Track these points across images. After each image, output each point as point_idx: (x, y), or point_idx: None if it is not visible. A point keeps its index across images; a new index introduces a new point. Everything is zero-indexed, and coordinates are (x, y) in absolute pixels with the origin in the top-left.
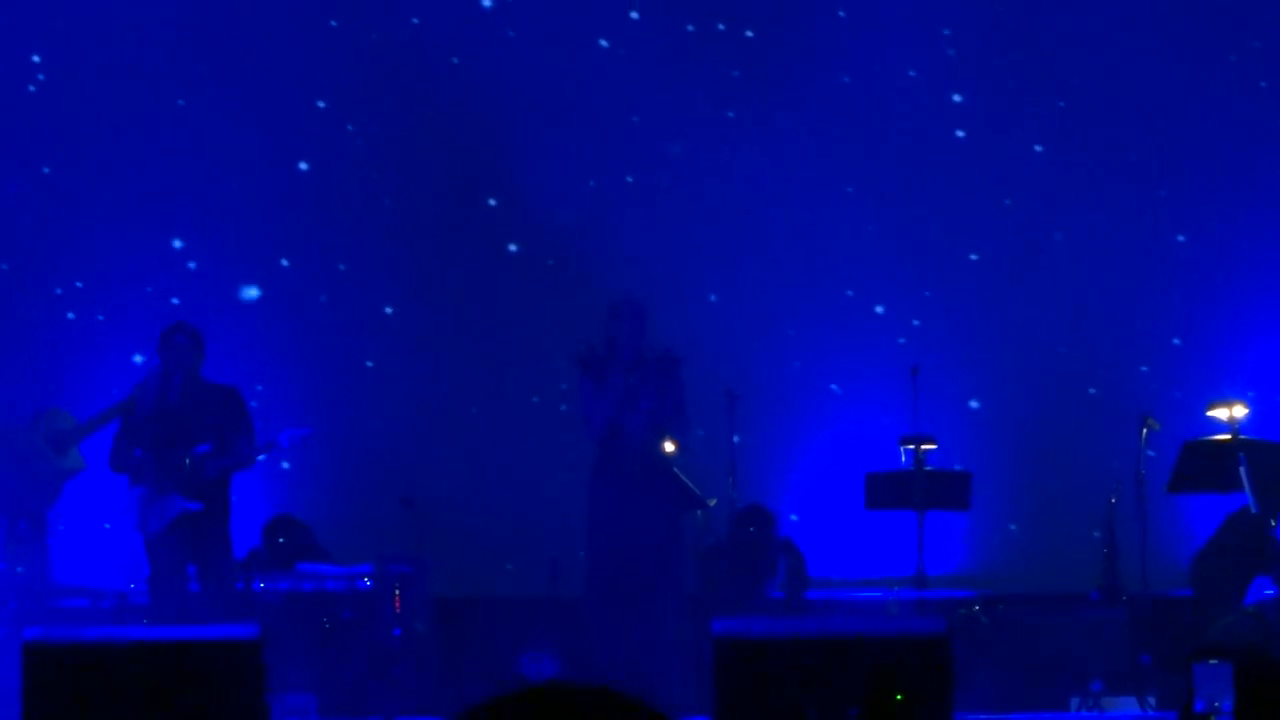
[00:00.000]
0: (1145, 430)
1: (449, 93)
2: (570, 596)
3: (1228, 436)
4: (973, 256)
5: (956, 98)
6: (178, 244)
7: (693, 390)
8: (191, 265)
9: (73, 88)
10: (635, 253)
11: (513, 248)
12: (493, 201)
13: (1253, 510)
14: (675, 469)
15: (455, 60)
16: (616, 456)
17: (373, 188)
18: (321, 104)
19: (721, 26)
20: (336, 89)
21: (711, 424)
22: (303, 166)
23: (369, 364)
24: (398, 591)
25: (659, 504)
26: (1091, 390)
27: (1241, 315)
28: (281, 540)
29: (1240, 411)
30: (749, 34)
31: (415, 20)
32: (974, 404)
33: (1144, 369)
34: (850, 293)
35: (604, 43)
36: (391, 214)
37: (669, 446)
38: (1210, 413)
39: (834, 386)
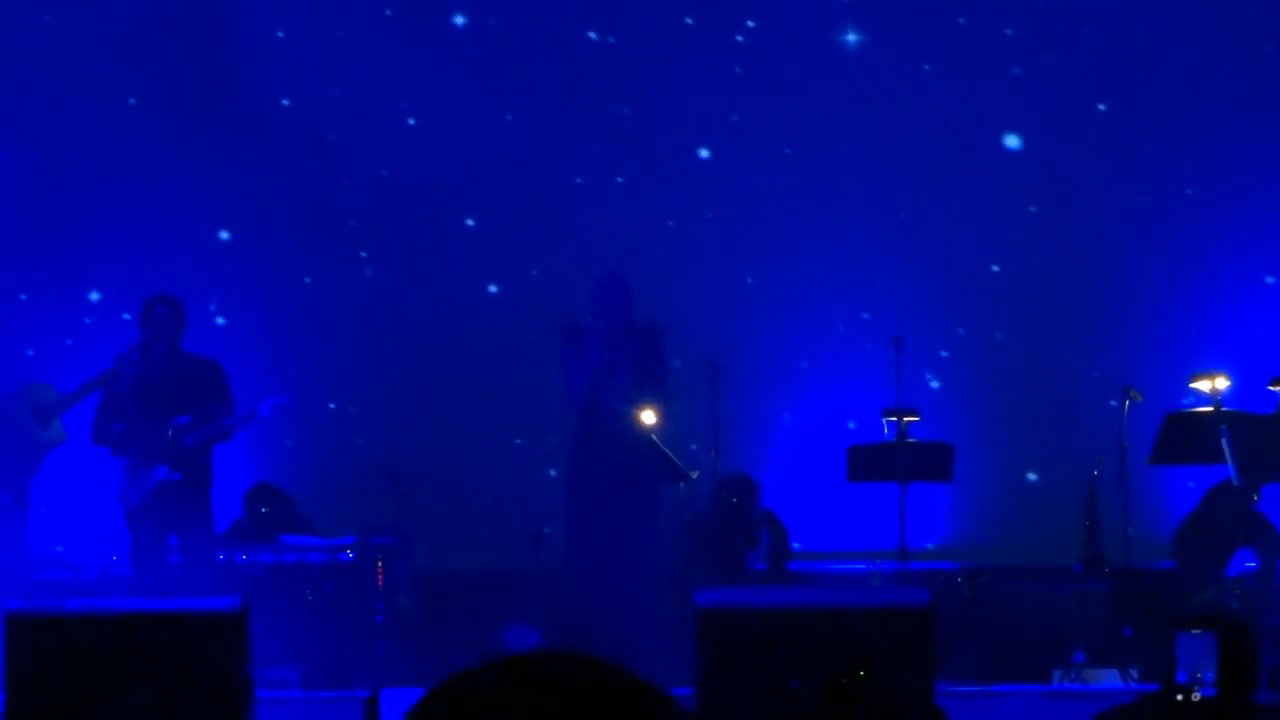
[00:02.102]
0: (1127, 402)
1: (436, 77)
2: (553, 568)
3: (1210, 409)
4: (954, 230)
5: (926, 66)
6: (94, 295)
7: (675, 361)
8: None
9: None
10: (619, 224)
11: (495, 234)
12: (471, 222)
13: (1235, 483)
14: (657, 440)
15: (438, 52)
16: (597, 428)
17: (354, 181)
18: (286, 101)
19: (739, 35)
20: (301, 92)
21: (694, 395)
22: (236, 219)
23: (350, 338)
24: (380, 564)
25: (640, 475)
26: (1074, 362)
27: (1225, 287)
28: (264, 510)
29: (1222, 384)
30: (750, 24)
31: (388, 12)
32: (961, 380)
33: (1127, 340)
34: (834, 269)
35: (592, 35)
36: (375, 198)
37: (649, 417)
38: (1193, 385)
39: (804, 363)
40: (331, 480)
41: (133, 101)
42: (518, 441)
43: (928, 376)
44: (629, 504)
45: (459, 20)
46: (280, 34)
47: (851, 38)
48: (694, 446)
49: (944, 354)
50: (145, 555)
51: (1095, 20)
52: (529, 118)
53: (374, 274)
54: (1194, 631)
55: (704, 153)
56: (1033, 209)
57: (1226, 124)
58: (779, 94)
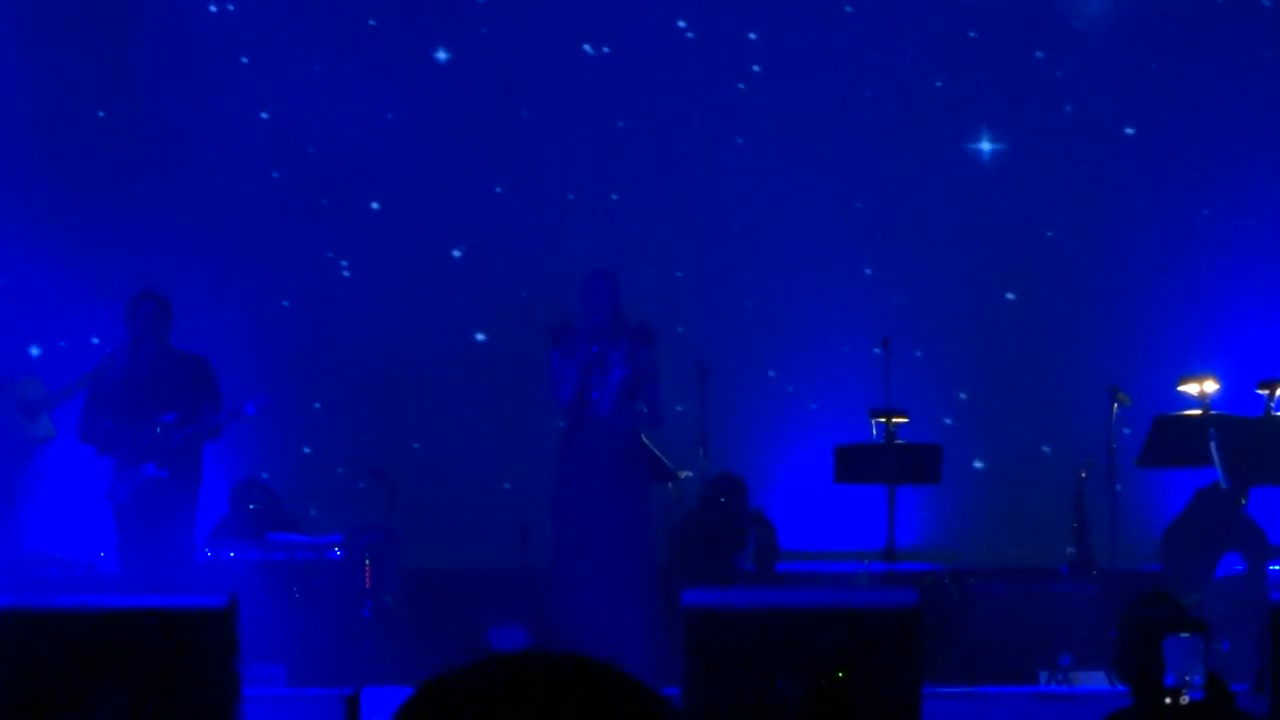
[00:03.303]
0: (1116, 404)
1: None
2: (540, 567)
3: (1198, 411)
4: (948, 236)
5: (938, 83)
6: (34, 350)
7: (664, 362)
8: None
9: None
10: (609, 220)
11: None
12: (458, 250)
13: (1223, 485)
14: (645, 440)
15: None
16: (586, 427)
17: (343, 188)
18: (264, 115)
19: (742, 47)
20: (280, 105)
21: (683, 396)
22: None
23: (336, 336)
24: (367, 562)
25: (628, 475)
26: (1063, 364)
27: (1214, 289)
28: (252, 507)
29: (1211, 386)
30: (752, 36)
31: (372, 21)
32: (949, 381)
33: (1115, 343)
34: (825, 270)
35: (588, 48)
36: (364, 207)
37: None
38: (1181, 387)
39: (771, 372)
40: (319, 478)
41: (101, 114)
42: (505, 440)
43: (961, 394)
44: (617, 503)
45: (441, 56)
46: (244, 60)
47: (856, 50)
48: (688, 472)
49: (935, 355)
50: (132, 552)
51: (1125, 47)
52: (524, 126)
53: (362, 274)
54: (1183, 635)
55: (697, 157)
56: (1050, 234)
57: (1245, 142)
58: (778, 100)
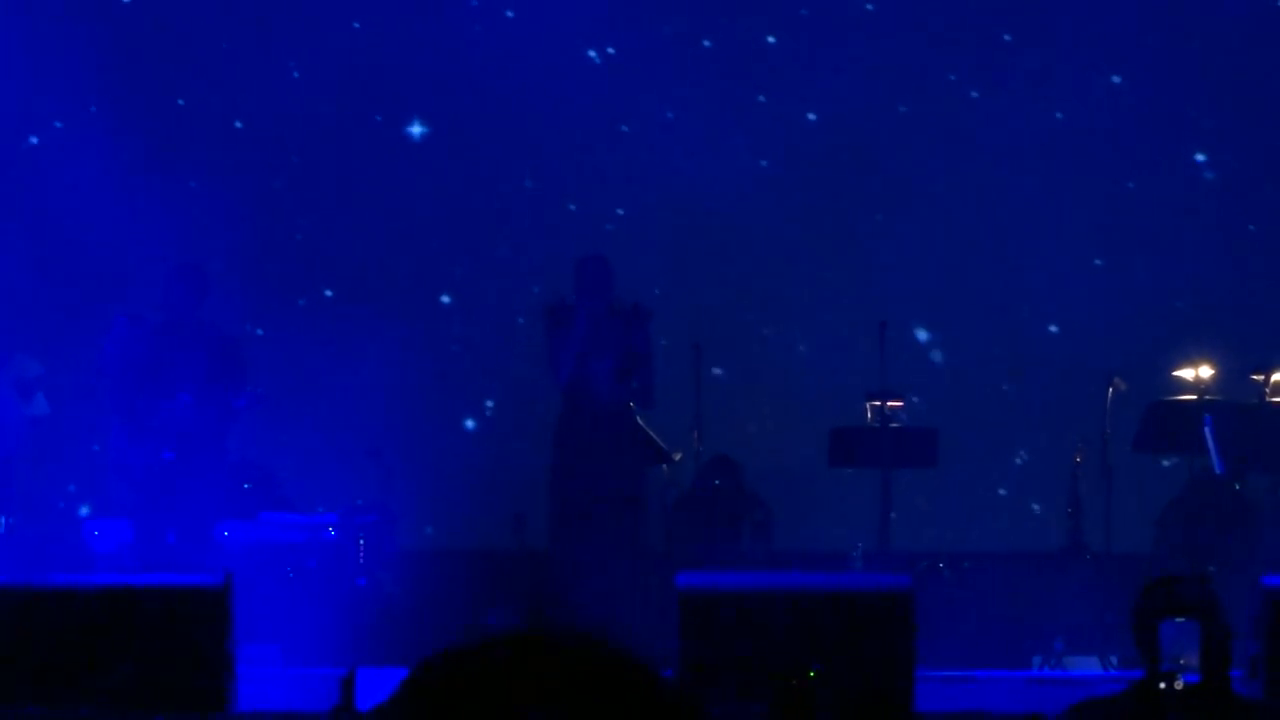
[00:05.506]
0: (1112, 389)
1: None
2: (535, 549)
3: (1194, 397)
4: (946, 219)
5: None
6: None
7: (659, 345)
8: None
9: None
10: (607, 204)
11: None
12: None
13: (1217, 471)
14: (640, 421)
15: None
16: (582, 408)
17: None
18: (239, 124)
19: (770, 46)
20: (266, 112)
21: (678, 379)
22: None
23: (336, 318)
24: (363, 542)
25: (623, 457)
26: (1059, 348)
27: (1211, 274)
28: (247, 486)
29: (1207, 372)
30: (770, 39)
31: (356, 24)
32: (941, 360)
33: (1112, 327)
34: (822, 253)
35: (592, 54)
36: (359, 168)
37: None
38: (1176, 373)
39: (766, 355)
40: (314, 458)
41: (59, 125)
42: (502, 421)
43: (956, 378)
44: (612, 485)
45: (420, 121)
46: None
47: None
48: (685, 457)
49: (929, 338)
50: (145, 533)
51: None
52: (527, 127)
53: (363, 260)
54: (1178, 619)
55: (698, 150)
56: (1048, 219)
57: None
58: (775, 95)
